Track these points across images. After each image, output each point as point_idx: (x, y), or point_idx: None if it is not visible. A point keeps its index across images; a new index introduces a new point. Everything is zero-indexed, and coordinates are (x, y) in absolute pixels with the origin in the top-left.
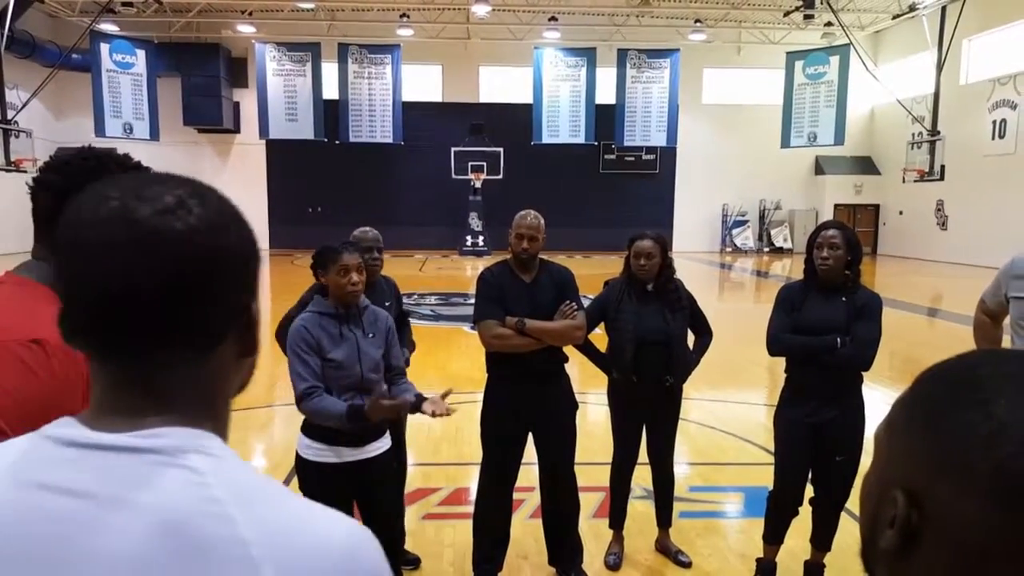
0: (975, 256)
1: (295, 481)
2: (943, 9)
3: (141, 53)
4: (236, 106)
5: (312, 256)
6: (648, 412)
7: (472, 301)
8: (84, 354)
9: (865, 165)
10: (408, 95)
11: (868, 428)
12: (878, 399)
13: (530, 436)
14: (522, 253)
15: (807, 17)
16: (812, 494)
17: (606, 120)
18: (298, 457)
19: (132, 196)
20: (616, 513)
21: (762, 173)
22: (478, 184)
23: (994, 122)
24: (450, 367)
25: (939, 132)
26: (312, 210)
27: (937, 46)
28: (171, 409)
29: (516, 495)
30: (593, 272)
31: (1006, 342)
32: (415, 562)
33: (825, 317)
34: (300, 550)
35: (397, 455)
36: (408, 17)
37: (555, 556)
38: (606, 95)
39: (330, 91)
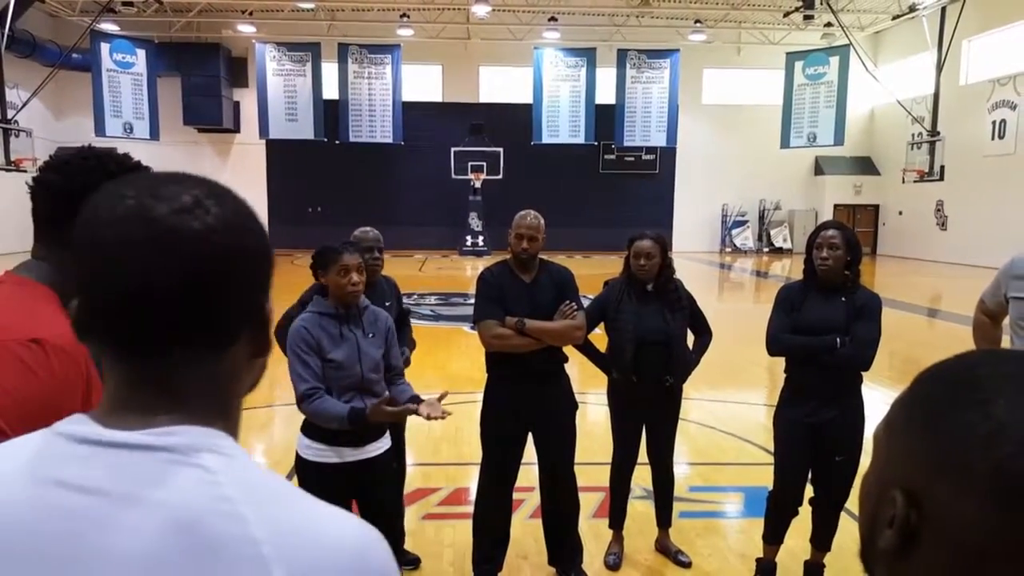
0: (975, 256)
1: (294, 481)
2: (943, 10)
3: (141, 53)
4: (236, 106)
5: (312, 256)
6: (648, 412)
7: (472, 301)
8: (98, 352)
9: (865, 165)
10: (408, 95)
11: (868, 428)
12: (878, 399)
13: (530, 436)
14: (522, 253)
15: (807, 18)
16: (812, 494)
17: (606, 120)
18: (298, 457)
19: (149, 195)
20: (616, 513)
21: (762, 173)
22: (478, 184)
23: (994, 122)
24: (450, 367)
25: (939, 132)
26: (312, 210)
27: (937, 47)
28: (184, 408)
29: (516, 495)
30: (593, 272)
31: (1005, 342)
32: (415, 562)
33: (825, 317)
34: (311, 550)
35: (397, 455)
36: (408, 17)
37: (555, 556)
38: (606, 95)
39: (330, 91)
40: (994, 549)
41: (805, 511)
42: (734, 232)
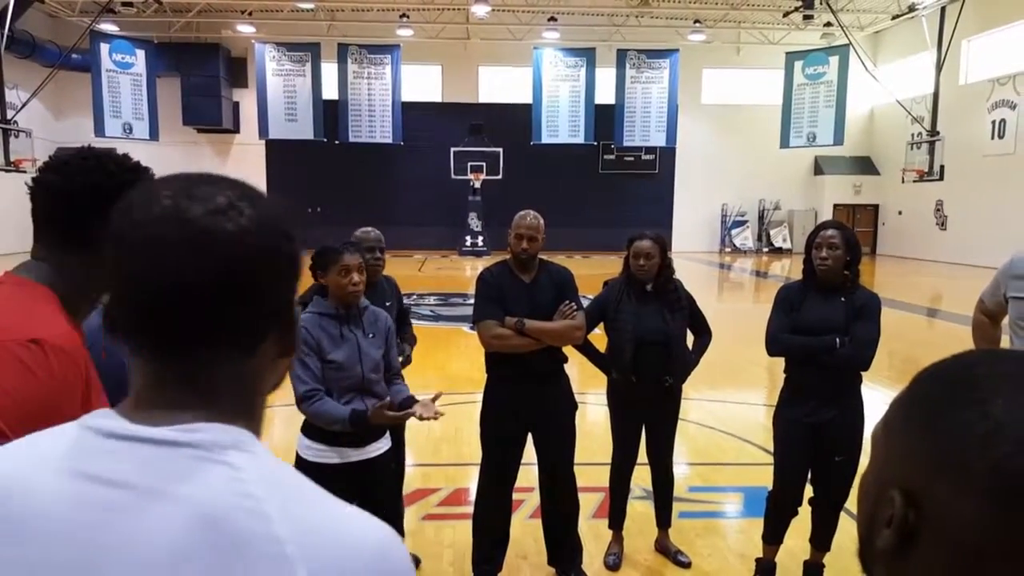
0: (974, 256)
1: None
2: (942, 10)
3: (141, 53)
4: (236, 106)
5: (311, 256)
6: (647, 412)
7: (471, 301)
8: (127, 348)
9: (864, 165)
10: (408, 95)
11: (867, 428)
12: (877, 399)
13: (530, 436)
14: (521, 253)
15: (806, 17)
16: (811, 494)
17: (605, 120)
18: (298, 458)
19: (184, 196)
20: (615, 513)
21: (761, 173)
22: (477, 184)
23: (993, 122)
24: (449, 367)
25: (938, 132)
26: (312, 210)
27: (936, 46)
28: (211, 405)
29: (516, 495)
30: (592, 272)
31: (1005, 342)
32: (415, 562)
33: (824, 317)
34: (333, 549)
35: (396, 455)
36: (408, 17)
37: (555, 556)
38: (605, 95)
39: (330, 91)
40: (992, 548)
41: (805, 511)
42: (733, 232)
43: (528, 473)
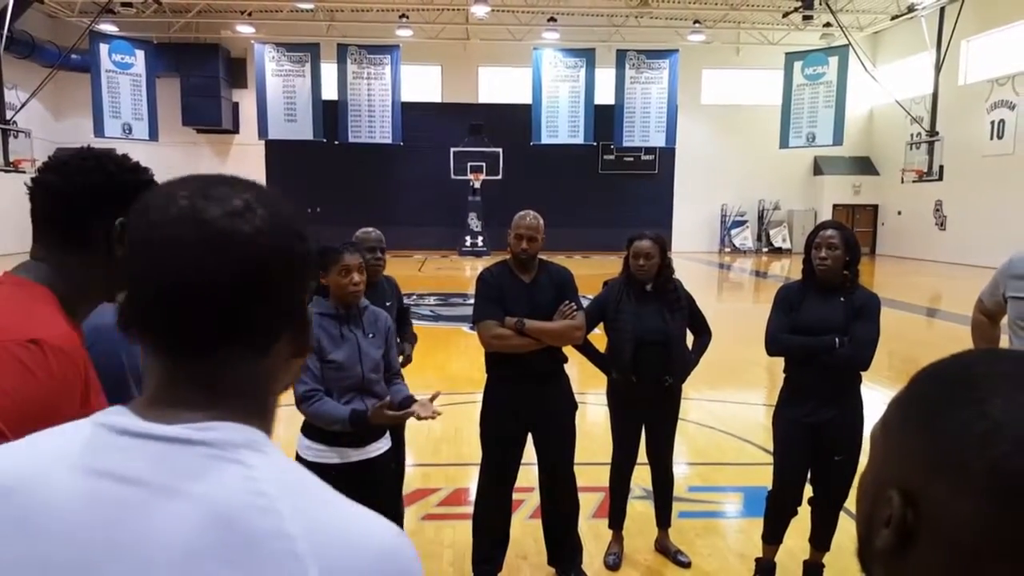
0: (973, 256)
1: None
2: (942, 10)
3: (140, 53)
4: (235, 106)
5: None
6: (647, 412)
7: (471, 301)
8: (141, 346)
9: (864, 165)
10: (407, 95)
11: (867, 428)
12: (877, 399)
13: (529, 436)
14: (521, 253)
15: (806, 18)
16: (811, 494)
17: (605, 120)
18: (298, 458)
19: (201, 197)
20: (615, 513)
21: (761, 173)
22: (477, 184)
23: (992, 122)
24: (449, 367)
25: (938, 132)
26: (311, 210)
27: (936, 47)
28: (224, 405)
29: (516, 495)
30: (592, 272)
31: (1004, 342)
32: None
33: (823, 317)
34: (343, 548)
35: (396, 455)
36: (407, 18)
37: (554, 556)
38: (605, 96)
39: (329, 91)
40: (990, 548)
41: (804, 511)
42: (733, 232)
43: (528, 473)
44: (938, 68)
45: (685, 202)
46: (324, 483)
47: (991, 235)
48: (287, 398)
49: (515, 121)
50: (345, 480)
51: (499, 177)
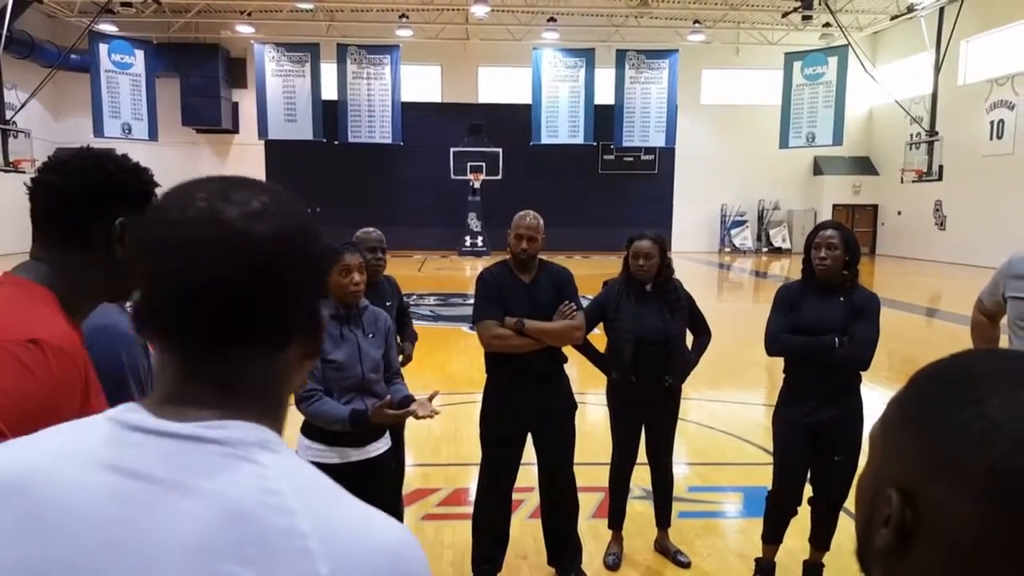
0: (973, 256)
1: None
2: (941, 10)
3: (140, 53)
4: (235, 106)
5: None
6: (647, 412)
7: (471, 301)
8: (153, 345)
9: (863, 165)
10: (407, 95)
11: (867, 428)
12: (877, 399)
13: (529, 436)
14: (521, 253)
15: (805, 18)
16: (811, 494)
17: (605, 120)
18: None
19: (220, 198)
20: (615, 513)
21: (761, 173)
22: (477, 184)
23: (992, 122)
24: (449, 367)
25: (937, 132)
26: (311, 211)
27: (935, 47)
28: (236, 404)
29: (515, 495)
30: (592, 272)
31: (1004, 342)
32: None
33: (823, 317)
34: (354, 548)
35: (396, 455)
36: (407, 18)
37: (554, 556)
38: (605, 96)
39: (329, 91)
40: (989, 548)
41: (804, 511)
42: (733, 232)
43: (528, 473)
44: (937, 68)
45: (685, 202)
46: (335, 483)
47: (991, 235)
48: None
49: (515, 121)
50: (345, 480)
51: (499, 177)
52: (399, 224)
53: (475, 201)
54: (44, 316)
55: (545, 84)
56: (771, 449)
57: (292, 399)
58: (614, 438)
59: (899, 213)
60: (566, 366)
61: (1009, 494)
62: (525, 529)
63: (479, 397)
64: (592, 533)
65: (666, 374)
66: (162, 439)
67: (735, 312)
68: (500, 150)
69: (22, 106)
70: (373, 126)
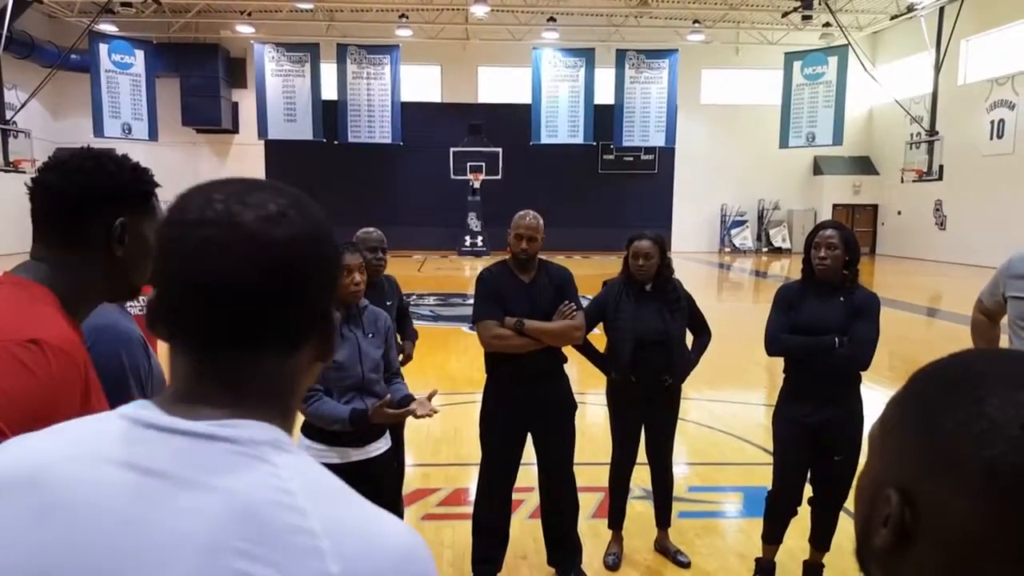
0: (973, 256)
1: None
2: (941, 10)
3: (140, 53)
4: (235, 106)
5: None
6: (647, 412)
7: (471, 301)
8: (167, 344)
9: (863, 165)
10: (407, 95)
11: (866, 428)
12: (876, 399)
13: (529, 436)
14: (521, 253)
15: (805, 18)
16: (811, 494)
17: (605, 120)
18: None
19: (237, 201)
20: (615, 513)
21: (761, 173)
22: (477, 184)
23: (992, 122)
24: (449, 367)
25: (937, 132)
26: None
27: (935, 46)
28: (248, 404)
29: (515, 495)
30: (592, 272)
31: (1004, 341)
32: None
33: (823, 317)
34: (364, 549)
35: (396, 455)
36: (407, 18)
37: (554, 556)
38: (605, 95)
39: (329, 91)
40: (988, 547)
41: (804, 511)
42: (733, 232)
43: (528, 473)
44: (937, 68)
45: (685, 202)
46: (344, 484)
47: (991, 235)
48: None
49: (515, 121)
50: (345, 480)
51: (499, 177)
52: (399, 224)
53: (475, 201)
54: (44, 316)
55: (545, 84)
56: (771, 449)
57: None
58: (614, 438)
59: (899, 213)
60: (566, 366)
61: (1007, 494)
62: (525, 529)
63: (479, 397)
64: (592, 533)
65: (666, 374)
66: (175, 436)
67: (735, 312)
68: (500, 150)
69: (22, 106)
70: (373, 126)
